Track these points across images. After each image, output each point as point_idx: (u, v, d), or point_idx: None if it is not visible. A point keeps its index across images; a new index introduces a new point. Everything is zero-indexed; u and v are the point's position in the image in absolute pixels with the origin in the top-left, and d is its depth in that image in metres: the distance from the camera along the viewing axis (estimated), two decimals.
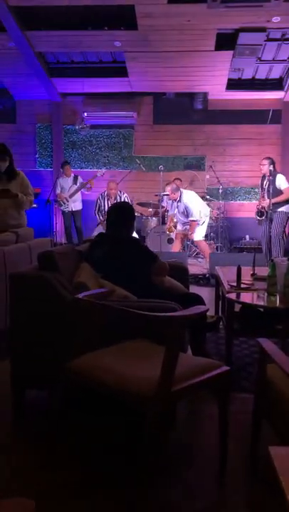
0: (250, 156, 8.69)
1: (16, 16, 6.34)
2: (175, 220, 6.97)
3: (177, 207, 6.90)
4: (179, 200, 6.82)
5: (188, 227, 6.96)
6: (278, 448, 1.00)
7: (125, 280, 2.69)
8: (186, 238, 7.38)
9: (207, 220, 7.12)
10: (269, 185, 6.39)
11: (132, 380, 1.76)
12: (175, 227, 6.98)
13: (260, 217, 6.55)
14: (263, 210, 6.47)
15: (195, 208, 6.78)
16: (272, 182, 6.36)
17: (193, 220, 6.79)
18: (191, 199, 6.84)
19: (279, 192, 6.32)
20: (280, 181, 6.36)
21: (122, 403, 1.85)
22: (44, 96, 8.86)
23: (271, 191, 6.36)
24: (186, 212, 6.82)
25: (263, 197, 6.54)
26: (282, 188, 6.32)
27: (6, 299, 3.38)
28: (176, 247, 7.14)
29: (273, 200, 6.30)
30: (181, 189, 6.95)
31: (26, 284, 2.41)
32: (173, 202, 6.95)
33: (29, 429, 2.33)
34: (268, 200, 6.40)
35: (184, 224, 6.99)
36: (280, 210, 6.32)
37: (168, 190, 7.03)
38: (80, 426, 2.33)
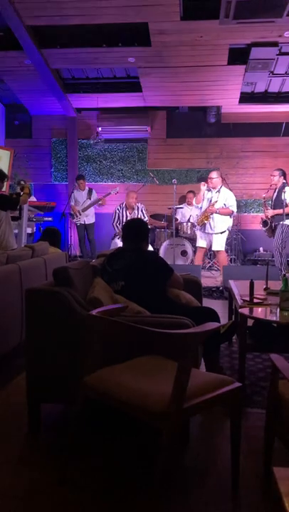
0: (264, 169, 8.72)
1: (32, 35, 6.49)
2: (206, 215, 6.89)
3: (211, 196, 6.90)
4: (218, 191, 6.87)
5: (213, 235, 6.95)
6: (283, 470, 1.00)
7: (142, 292, 2.73)
8: (208, 250, 7.40)
9: (227, 232, 7.11)
10: (277, 196, 6.41)
11: (144, 396, 1.78)
12: (207, 218, 6.90)
13: (264, 227, 6.57)
14: (267, 220, 6.49)
15: (234, 202, 6.87)
16: (279, 193, 6.36)
17: (230, 206, 6.82)
18: (231, 194, 6.95)
19: (283, 204, 6.31)
20: (287, 194, 6.33)
21: (136, 419, 1.87)
22: (59, 111, 9.02)
23: (275, 202, 6.38)
24: (223, 202, 6.85)
25: (266, 207, 6.59)
26: (288, 200, 6.30)
27: (21, 314, 3.44)
28: (197, 260, 7.15)
29: (276, 212, 6.32)
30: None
31: (42, 299, 2.45)
32: (209, 191, 6.92)
33: (44, 443, 2.36)
34: (270, 211, 6.42)
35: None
36: (282, 222, 6.31)
37: (215, 173, 7.00)
38: (95, 441, 2.36)
